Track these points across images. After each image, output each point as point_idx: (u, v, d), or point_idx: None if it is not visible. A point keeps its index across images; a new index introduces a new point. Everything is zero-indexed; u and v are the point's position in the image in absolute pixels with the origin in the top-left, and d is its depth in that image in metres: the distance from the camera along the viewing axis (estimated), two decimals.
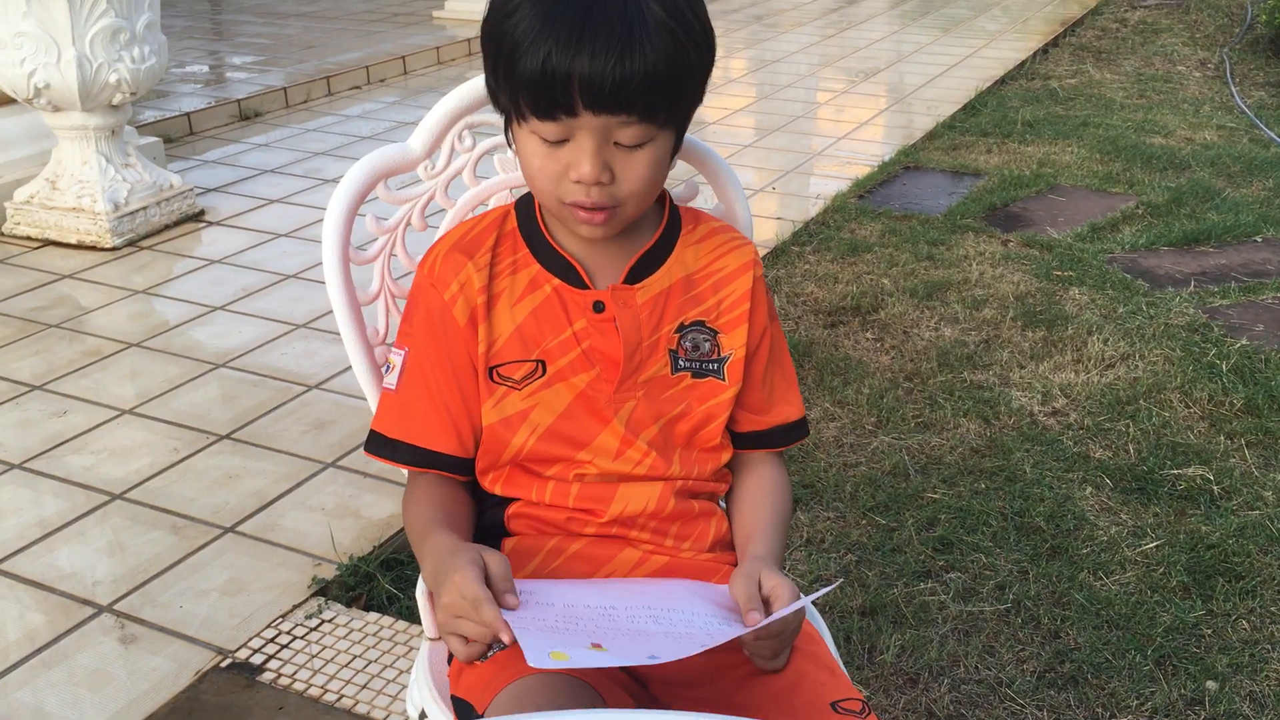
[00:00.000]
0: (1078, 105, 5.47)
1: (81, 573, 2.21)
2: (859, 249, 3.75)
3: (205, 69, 6.12)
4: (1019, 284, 3.48)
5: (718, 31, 1.10)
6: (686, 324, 1.19)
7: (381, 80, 6.05)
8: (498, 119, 1.16)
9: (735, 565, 1.20)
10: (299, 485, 2.50)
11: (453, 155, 1.33)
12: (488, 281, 1.16)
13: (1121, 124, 5.14)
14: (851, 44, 6.93)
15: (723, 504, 1.27)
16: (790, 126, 5.28)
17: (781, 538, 1.21)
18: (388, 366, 1.20)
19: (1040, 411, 2.80)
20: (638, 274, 1.18)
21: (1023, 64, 6.29)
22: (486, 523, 1.21)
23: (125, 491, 2.47)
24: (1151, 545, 2.30)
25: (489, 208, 1.36)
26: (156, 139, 4.42)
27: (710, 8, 1.03)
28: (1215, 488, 2.48)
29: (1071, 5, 7.97)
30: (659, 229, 1.20)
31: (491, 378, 1.16)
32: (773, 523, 1.21)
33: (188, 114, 5.10)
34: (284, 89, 5.56)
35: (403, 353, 1.19)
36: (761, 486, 1.25)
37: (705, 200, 1.39)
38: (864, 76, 6.15)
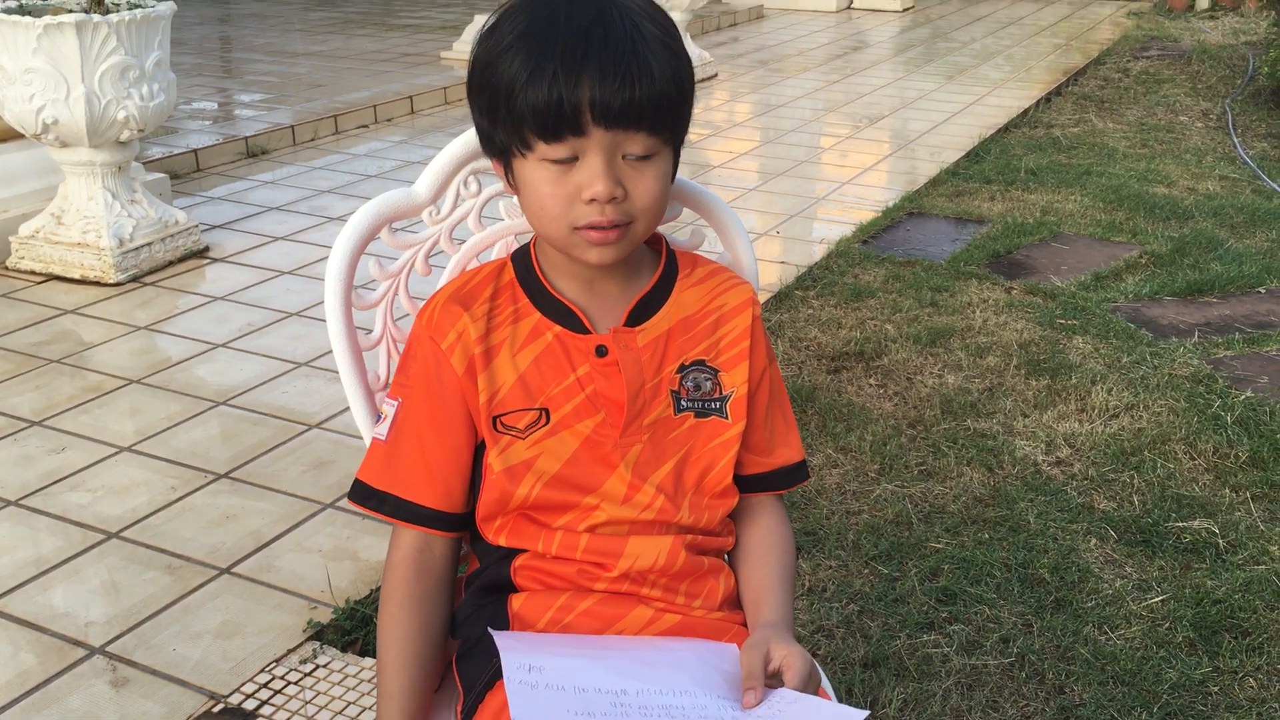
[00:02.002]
0: (1081, 154, 5.50)
1: (75, 613, 2.19)
2: (863, 294, 3.75)
3: (214, 106, 6.16)
4: (1022, 332, 3.47)
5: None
6: (687, 364, 1.19)
7: (389, 119, 6.09)
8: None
9: (744, 624, 1.19)
10: (297, 526, 2.48)
11: (458, 200, 1.33)
12: (485, 332, 1.16)
13: (1124, 173, 5.15)
14: (856, 90, 6.98)
15: (727, 557, 1.26)
16: (795, 171, 5.30)
17: (789, 595, 1.20)
18: (380, 416, 1.20)
19: (1044, 461, 2.78)
20: (638, 317, 1.18)
21: (1026, 112, 6.33)
22: (491, 579, 1.19)
23: (121, 530, 2.45)
24: (1157, 599, 2.27)
25: (495, 253, 1.36)
26: (163, 175, 4.44)
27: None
28: (1221, 541, 2.45)
29: (1074, 54, 8.04)
30: (657, 272, 1.21)
31: (496, 427, 1.15)
32: (780, 580, 1.20)
33: (195, 150, 5.13)
34: (291, 127, 5.60)
35: (396, 403, 1.18)
36: (767, 539, 1.24)
37: (710, 248, 1.39)
38: (868, 122, 6.19)
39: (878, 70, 7.62)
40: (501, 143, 1.11)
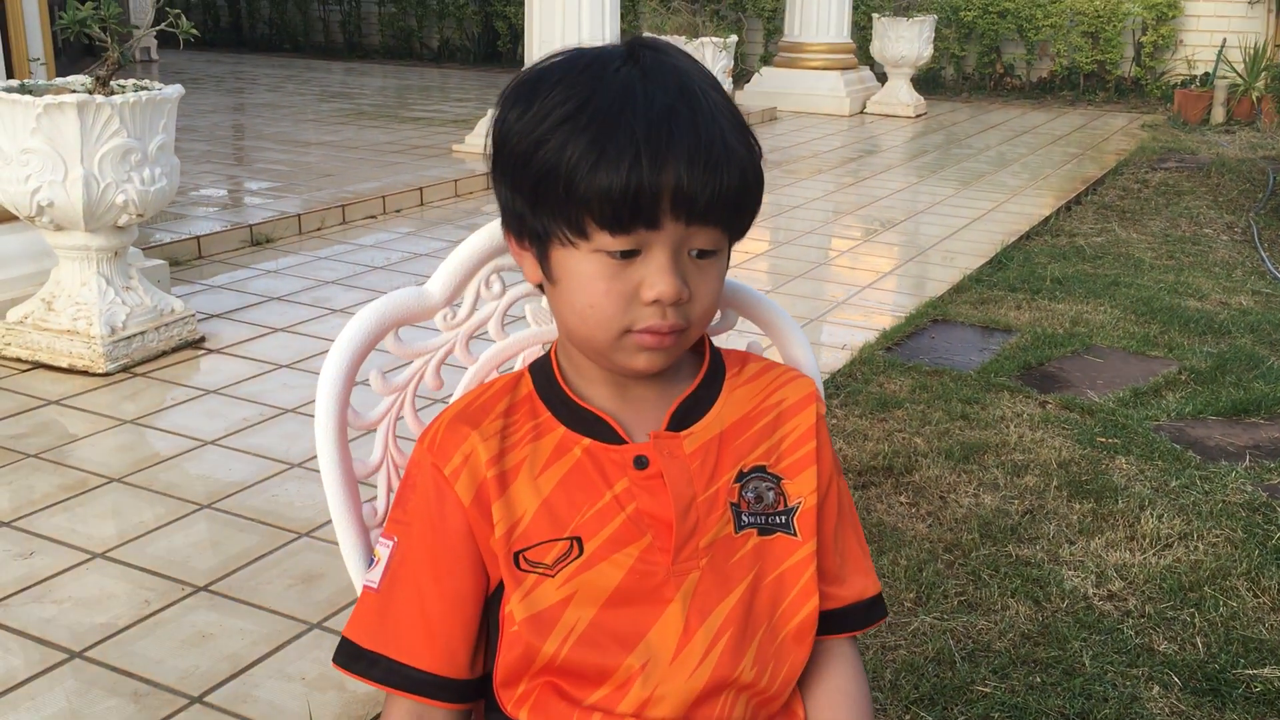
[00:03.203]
0: (1106, 264, 5.36)
1: None
2: (889, 404, 3.56)
3: (222, 193, 6.07)
4: (1061, 450, 3.27)
5: None
6: (746, 470, 1.00)
7: (398, 210, 5.98)
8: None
9: None
10: (279, 648, 2.25)
11: (478, 302, 1.15)
12: (498, 453, 0.98)
13: (1153, 285, 5.01)
14: (870, 194, 6.89)
15: None
16: (811, 273, 5.16)
17: None
18: (373, 559, 1.00)
19: (1095, 595, 2.56)
20: (681, 421, 1.00)
21: (1047, 220, 6.22)
22: None
23: (86, 649, 2.23)
24: None
25: (519, 364, 1.17)
26: (162, 261, 4.29)
27: None
28: None
29: (1090, 164, 7.98)
30: (700, 371, 1.03)
31: (518, 565, 0.96)
32: None
33: (198, 237, 4.99)
34: (298, 215, 5.48)
35: (390, 544, 0.99)
36: (840, 708, 1.03)
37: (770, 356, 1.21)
38: (883, 226, 6.08)
39: (892, 175, 7.55)
40: (542, 229, 0.94)
